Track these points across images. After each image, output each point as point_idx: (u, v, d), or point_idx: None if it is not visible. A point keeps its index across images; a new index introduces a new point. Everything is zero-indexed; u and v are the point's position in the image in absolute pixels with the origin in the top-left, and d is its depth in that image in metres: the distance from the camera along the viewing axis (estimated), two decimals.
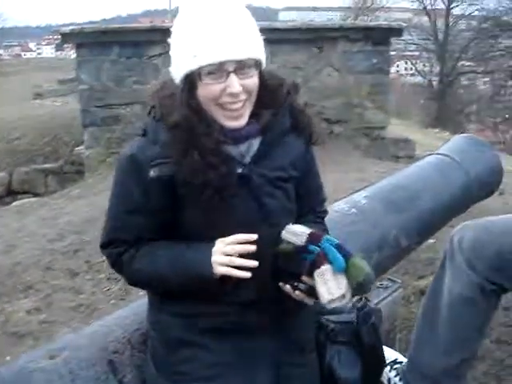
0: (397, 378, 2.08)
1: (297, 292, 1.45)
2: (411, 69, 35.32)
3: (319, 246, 1.43)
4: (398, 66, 41.24)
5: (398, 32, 6.98)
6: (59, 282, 4.03)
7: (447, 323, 1.94)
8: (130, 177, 1.47)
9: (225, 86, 1.39)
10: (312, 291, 1.42)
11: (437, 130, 16.85)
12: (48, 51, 71.68)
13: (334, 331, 1.70)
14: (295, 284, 1.45)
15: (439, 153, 2.87)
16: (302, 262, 1.43)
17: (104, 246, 1.56)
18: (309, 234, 1.45)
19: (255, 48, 1.42)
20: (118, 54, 6.87)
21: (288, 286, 1.46)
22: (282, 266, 1.46)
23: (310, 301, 1.47)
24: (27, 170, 9.19)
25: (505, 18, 26.94)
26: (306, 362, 1.64)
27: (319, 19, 32.66)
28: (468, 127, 28.01)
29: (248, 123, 1.46)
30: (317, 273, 1.40)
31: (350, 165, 5.12)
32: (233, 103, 1.41)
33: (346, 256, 1.42)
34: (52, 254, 4.42)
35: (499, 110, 29.25)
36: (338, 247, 1.43)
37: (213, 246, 1.44)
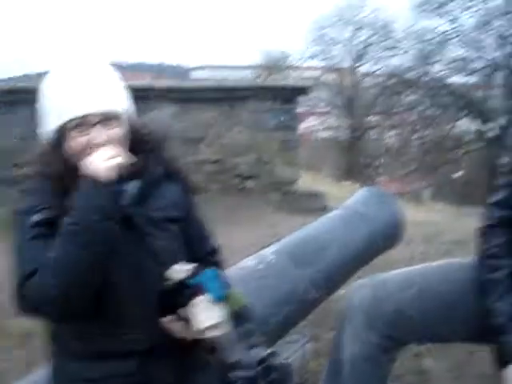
0: None
1: (175, 324, 1.47)
2: (322, 124, 36.42)
3: (197, 279, 1.47)
4: (309, 123, 42.51)
5: (304, 91, 7.27)
6: None
7: (349, 378, 1.97)
8: (19, 226, 1.49)
9: (90, 137, 1.46)
10: (189, 323, 1.45)
11: (349, 183, 17.33)
12: None
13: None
14: (175, 317, 1.47)
15: (345, 206, 2.98)
16: (180, 295, 1.45)
17: (22, 284, 1.47)
18: (190, 269, 1.49)
19: (117, 101, 1.52)
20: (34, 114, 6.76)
21: (167, 319, 1.48)
22: (166, 302, 1.48)
23: (187, 333, 1.48)
24: None
25: (407, 76, 28.37)
26: None
27: (231, 77, 33.39)
28: (377, 179, 29.02)
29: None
30: (194, 303, 1.43)
31: (261, 220, 5.19)
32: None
33: (224, 287, 1.48)
34: None
35: (406, 162, 30.52)
36: (217, 278, 1.48)
37: None
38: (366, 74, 31.61)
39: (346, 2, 30.16)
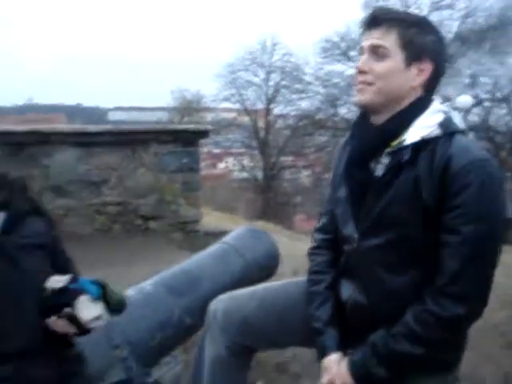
0: None
1: (59, 321, 1.75)
2: (238, 165, 36.88)
3: (77, 284, 1.80)
4: (226, 163, 42.93)
5: (204, 134, 7.57)
6: None
7: (208, 382, 2.25)
8: None
9: None
10: (73, 319, 1.75)
11: (261, 223, 17.64)
12: None
13: None
14: (58, 315, 1.75)
15: (222, 241, 3.27)
16: (65, 297, 1.76)
17: None
18: (68, 278, 1.82)
19: None
20: None
21: (53, 318, 1.75)
22: (50, 305, 1.77)
23: (71, 328, 1.76)
24: None
25: (317, 117, 29.38)
26: None
27: (147, 118, 33.48)
28: (294, 218, 29.58)
29: None
30: (77, 301, 1.75)
31: (161, 259, 5.36)
32: None
33: (99, 287, 1.82)
34: None
35: (320, 200, 31.25)
36: (93, 282, 1.82)
37: None
38: (279, 116, 32.45)
39: (259, 45, 30.92)
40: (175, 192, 7.02)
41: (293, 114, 31.46)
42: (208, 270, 2.96)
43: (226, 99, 32.05)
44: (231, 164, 40.54)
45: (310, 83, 30.05)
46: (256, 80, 31.95)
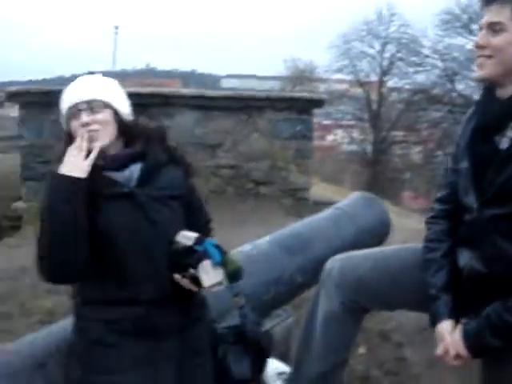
0: None
1: (184, 280, 1.88)
2: (347, 137, 36.46)
3: (202, 246, 1.89)
4: (335, 135, 42.57)
5: (319, 103, 7.62)
6: None
7: (320, 337, 2.36)
8: None
9: (79, 121, 1.90)
10: (196, 280, 1.87)
11: None
12: None
13: (223, 334, 2.13)
14: (183, 274, 1.88)
15: (334, 207, 3.34)
16: (190, 257, 1.88)
17: None
18: (196, 238, 1.91)
19: (103, 94, 1.94)
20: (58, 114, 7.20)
21: (178, 276, 1.89)
22: (175, 260, 1.90)
23: (194, 287, 1.89)
24: None
25: (433, 92, 28.43)
26: (203, 364, 2.04)
27: (259, 87, 33.72)
28: (402, 194, 29.03)
29: (123, 151, 1.96)
30: (200, 265, 1.86)
31: (270, 223, 5.48)
32: (89, 131, 1.89)
33: (222, 253, 1.91)
34: None
35: (431, 178, 30.43)
36: (217, 247, 1.91)
37: None
38: (393, 89, 31.66)
39: (375, 15, 30.17)
40: (287, 159, 7.13)
41: (407, 87, 30.58)
42: (321, 233, 3.05)
43: (339, 70, 31.61)
44: (340, 136, 40.13)
45: (427, 56, 29.04)
46: (371, 51, 31.29)
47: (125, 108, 2.00)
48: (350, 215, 3.20)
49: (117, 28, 23.12)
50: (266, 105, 7.06)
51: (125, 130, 1.98)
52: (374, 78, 31.49)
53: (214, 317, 2.18)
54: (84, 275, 1.89)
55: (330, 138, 38.50)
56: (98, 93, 1.93)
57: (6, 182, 9.54)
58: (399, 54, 30.59)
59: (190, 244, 1.89)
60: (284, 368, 2.63)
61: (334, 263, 2.40)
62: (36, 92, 7.29)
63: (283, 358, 2.76)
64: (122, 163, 1.94)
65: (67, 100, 1.93)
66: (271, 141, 7.09)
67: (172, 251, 1.91)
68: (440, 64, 28.18)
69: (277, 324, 2.73)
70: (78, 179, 1.81)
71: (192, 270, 1.87)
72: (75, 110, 1.90)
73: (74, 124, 1.91)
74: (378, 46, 30.99)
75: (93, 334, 1.90)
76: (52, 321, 4.06)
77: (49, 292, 4.48)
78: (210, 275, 1.86)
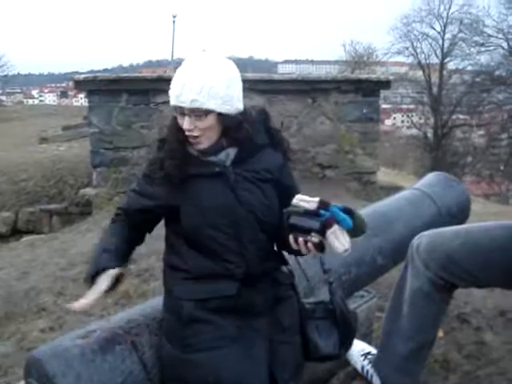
0: (369, 366, 2.47)
1: (309, 245, 1.78)
2: (407, 121, 35.92)
3: (328, 211, 1.76)
4: (394, 119, 41.94)
5: (386, 84, 7.45)
6: None
7: (408, 314, 2.32)
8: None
9: (182, 123, 1.88)
10: (319, 246, 1.77)
11: None
12: (50, 98, 72.91)
13: (311, 310, 2.10)
14: (308, 238, 1.77)
15: (413, 187, 3.27)
16: (314, 221, 1.76)
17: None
18: (319, 201, 1.78)
19: (208, 102, 1.83)
20: (127, 100, 7.37)
21: (301, 239, 1.79)
22: (295, 222, 1.79)
23: (316, 252, 1.81)
24: (32, 211, 9.36)
25: (496, 73, 27.67)
26: (292, 341, 2.03)
27: (316, 72, 33.51)
28: (463, 179, 28.43)
29: (220, 142, 1.93)
30: (330, 231, 1.74)
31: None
32: (190, 135, 1.88)
33: (351, 217, 1.78)
34: (63, 281, 4.73)
35: (494, 162, 29.69)
36: (344, 210, 1.78)
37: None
38: (454, 71, 30.94)
39: None
40: (353, 142, 7.06)
41: (469, 68, 29.87)
42: (402, 213, 2.99)
43: (399, 52, 31.13)
44: (399, 120, 39.51)
45: (490, 36, 28.27)
46: (432, 32, 30.66)
47: (232, 106, 1.91)
48: (430, 196, 3.13)
49: (175, 17, 23.11)
50: (331, 87, 6.98)
51: (228, 130, 1.93)
52: (434, 60, 30.85)
53: (301, 289, 2.16)
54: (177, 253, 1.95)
55: (388, 122, 37.98)
56: (202, 100, 1.83)
57: (73, 170, 9.79)
58: (461, 35, 29.89)
59: (314, 208, 1.77)
60: (369, 348, 2.59)
61: (422, 239, 2.35)
62: (103, 80, 7.42)
63: (365, 339, 2.73)
64: (220, 150, 1.94)
65: (173, 94, 1.87)
66: (337, 124, 7.02)
67: (291, 214, 1.81)
68: (504, 44, 27.39)
69: (360, 305, 2.69)
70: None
71: (317, 236, 1.76)
72: (180, 110, 1.87)
73: (179, 121, 1.90)
74: (439, 27, 30.35)
75: (185, 312, 1.91)
76: (127, 303, 4.18)
77: None
78: (341, 241, 1.75)
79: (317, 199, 1.79)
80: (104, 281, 1.90)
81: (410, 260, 2.36)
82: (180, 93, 1.84)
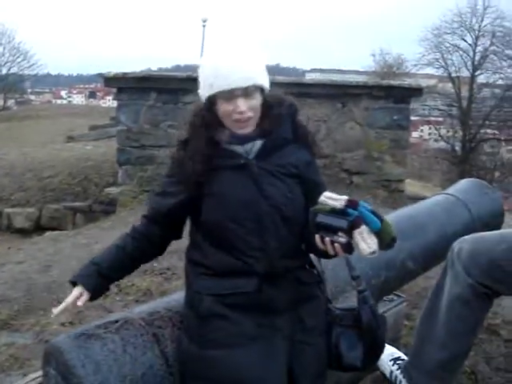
0: (398, 371, 2.37)
1: (336, 245, 1.70)
2: (435, 134, 35.62)
3: (356, 210, 1.69)
4: (421, 131, 41.62)
5: (418, 92, 7.34)
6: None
7: (444, 321, 2.23)
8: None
9: (234, 106, 1.81)
10: (347, 246, 1.69)
11: None
12: (78, 99, 73.77)
13: (338, 316, 2.01)
14: (335, 238, 1.70)
15: (446, 192, 3.18)
16: (341, 221, 1.68)
17: None
18: (347, 200, 1.70)
19: (258, 77, 1.84)
20: (156, 99, 7.36)
21: (328, 239, 1.71)
22: (321, 221, 1.72)
23: (343, 253, 1.72)
24: (57, 208, 9.40)
25: None
26: (315, 342, 1.95)
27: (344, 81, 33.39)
28: None
29: (251, 132, 1.87)
30: (357, 232, 1.67)
31: None
32: (241, 119, 1.82)
33: (380, 219, 1.70)
34: None
35: None
36: (372, 212, 1.70)
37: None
38: (485, 84, 30.62)
39: (469, 7, 29.20)
40: (382, 148, 6.96)
41: (500, 82, 29.52)
42: (434, 218, 2.91)
43: (429, 64, 30.88)
44: (426, 133, 39.16)
45: None
46: (463, 45, 30.36)
47: (268, 83, 1.90)
48: (464, 202, 3.04)
49: (205, 21, 23.20)
50: (362, 92, 6.89)
51: (270, 108, 1.88)
52: (464, 73, 30.54)
53: (328, 294, 2.08)
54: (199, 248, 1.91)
55: (415, 134, 37.69)
56: (253, 76, 1.82)
57: (99, 169, 9.84)
58: (492, 48, 29.55)
59: (341, 206, 1.70)
60: (399, 353, 2.50)
61: (463, 244, 2.26)
62: (132, 77, 7.42)
63: (393, 344, 2.65)
64: (247, 140, 1.88)
65: (219, 83, 1.81)
66: (366, 130, 6.93)
67: (317, 213, 1.73)
68: None
69: (389, 309, 2.61)
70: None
71: (344, 236, 1.68)
72: (229, 95, 1.81)
73: (226, 108, 1.83)
74: (470, 39, 30.05)
75: (204, 307, 1.86)
76: (148, 301, 4.13)
77: (144, 273, 4.56)
78: (367, 242, 1.66)
79: (345, 197, 1.71)
80: (74, 296, 1.96)
81: (449, 265, 2.27)
82: (227, 75, 1.79)
